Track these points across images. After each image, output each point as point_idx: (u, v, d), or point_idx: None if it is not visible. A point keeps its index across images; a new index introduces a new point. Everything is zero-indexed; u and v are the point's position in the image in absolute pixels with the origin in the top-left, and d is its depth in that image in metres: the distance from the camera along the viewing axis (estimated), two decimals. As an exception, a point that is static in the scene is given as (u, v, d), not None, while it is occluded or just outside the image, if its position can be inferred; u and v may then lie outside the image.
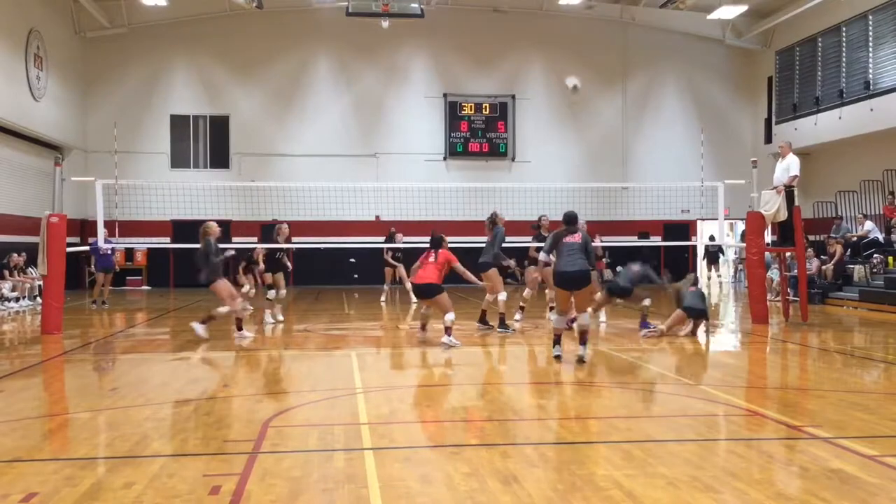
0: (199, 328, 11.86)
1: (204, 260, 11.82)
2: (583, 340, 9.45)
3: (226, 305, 11.97)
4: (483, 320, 13.00)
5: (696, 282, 12.92)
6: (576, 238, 9.40)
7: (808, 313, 14.35)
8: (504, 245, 13.02)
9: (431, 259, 11.50)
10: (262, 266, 14.97)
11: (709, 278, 26.01)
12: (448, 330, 11.14)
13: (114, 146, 20.52)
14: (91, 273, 24.57)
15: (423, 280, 11.40)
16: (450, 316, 11.18)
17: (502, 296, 12.63)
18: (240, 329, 12.04)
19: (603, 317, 14.42)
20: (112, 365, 10.31)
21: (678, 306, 12.10)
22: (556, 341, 9.68)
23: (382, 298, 18.65)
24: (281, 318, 14.40)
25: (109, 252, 18.11)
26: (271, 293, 14.31)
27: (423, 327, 11.94)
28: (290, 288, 14.12)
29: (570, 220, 9.67)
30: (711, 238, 24.65)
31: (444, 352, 10.66)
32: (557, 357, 9.51)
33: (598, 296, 12.63)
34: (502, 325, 12.64)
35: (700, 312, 12.03)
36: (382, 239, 19.57)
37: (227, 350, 11.07)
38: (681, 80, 27.82)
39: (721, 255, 26.26)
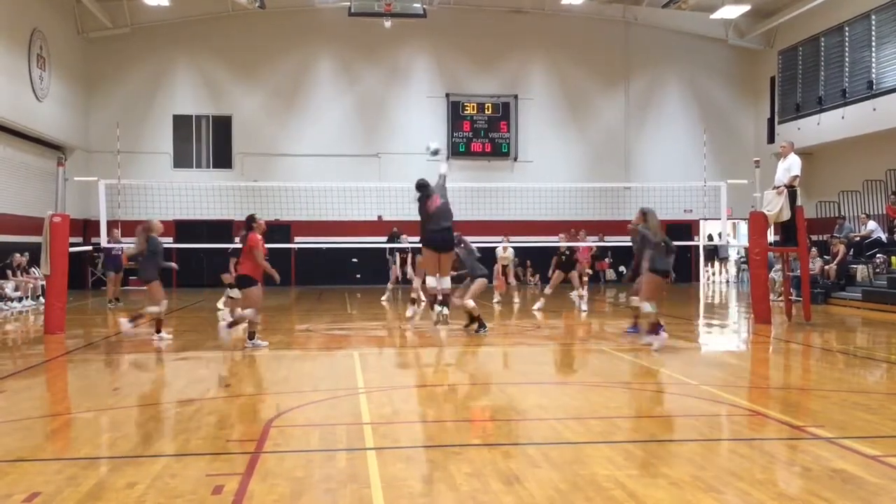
0: (128, 325, 11.63)
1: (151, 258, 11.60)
2: (444, 302, 10.65)
3: (157, 306, 11.65)
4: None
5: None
6: (436, 202, 10.39)
7: (811, 313, 14.33)
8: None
9: (243, 245, 10.95)
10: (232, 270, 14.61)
11: (707, 275, 26.13)
12: (250, 334, 10.78)
13: (116, 146, 20.59)
14: (94, 273, 24.67)
15: (239, 271, 10.93)
16: (247, 312, 10.77)
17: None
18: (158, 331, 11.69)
19: (584, 305, 14.91)
20: (114, 365, 10.32)
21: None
22: (439, 302, 10.92)
23: (384, 298, 18.61)
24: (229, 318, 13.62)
25: (120, 252, 18.12)
26: (234, 292, 14.20)
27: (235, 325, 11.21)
28: (291, 288, 14.10)
29: (423, 185, 11.01)
30: (710, 238, 24.65)
31: (450, 354, 10.63)
32: (445, 315, 10.91)
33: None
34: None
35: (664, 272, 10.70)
36: (384, 239, 19.57)
37: (228, 350, 11.07)
38: (683, 80, 27.80)
39: (716, 255, 26.36)
